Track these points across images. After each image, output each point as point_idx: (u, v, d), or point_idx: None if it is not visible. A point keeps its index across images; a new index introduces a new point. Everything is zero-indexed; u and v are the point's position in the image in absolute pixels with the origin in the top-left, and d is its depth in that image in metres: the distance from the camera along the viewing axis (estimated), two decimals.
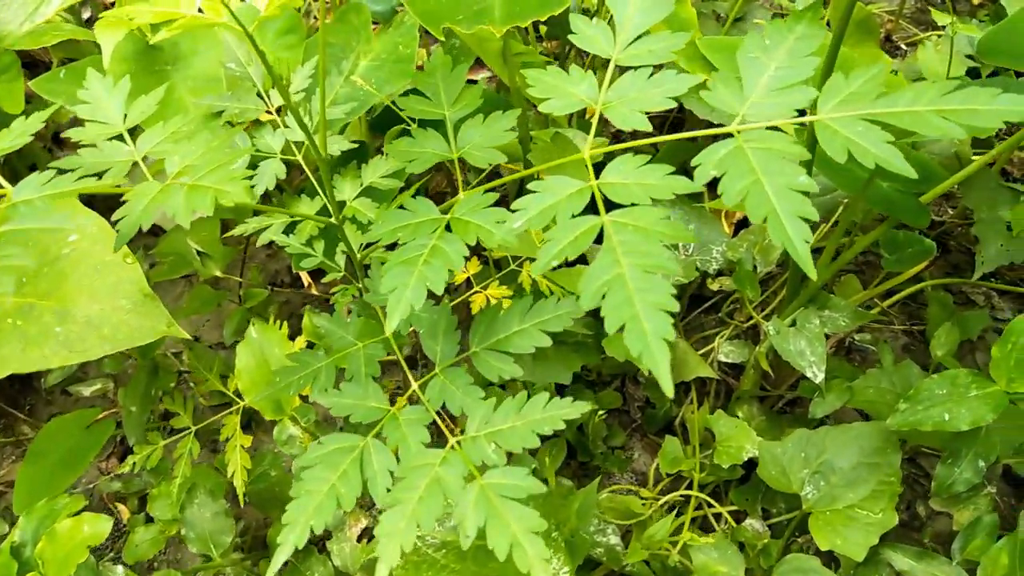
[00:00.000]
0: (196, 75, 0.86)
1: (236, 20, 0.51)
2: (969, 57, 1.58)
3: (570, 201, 0.51)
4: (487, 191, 0.60)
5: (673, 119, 1.43)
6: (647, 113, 0.53)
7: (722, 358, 1.14)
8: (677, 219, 0.47)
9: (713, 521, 1.06)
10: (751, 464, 1.00)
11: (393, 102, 0.94)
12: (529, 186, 0.52)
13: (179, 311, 1.22)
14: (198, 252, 0.98)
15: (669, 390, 0.41)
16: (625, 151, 0.53)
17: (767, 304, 1.20)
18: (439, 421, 0.59)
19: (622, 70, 0.55)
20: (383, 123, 1.02)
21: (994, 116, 0.43)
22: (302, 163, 0.83)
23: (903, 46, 1.81)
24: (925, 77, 1.41)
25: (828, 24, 1.79)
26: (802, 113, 0.48)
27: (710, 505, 1.06)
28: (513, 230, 0.51)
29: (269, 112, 0.86)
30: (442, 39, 0.73)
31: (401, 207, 0.62)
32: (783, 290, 1.14)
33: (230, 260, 1.15)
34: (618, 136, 1.44)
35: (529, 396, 0.56)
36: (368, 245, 0.79)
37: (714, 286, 1.16)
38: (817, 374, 0.98)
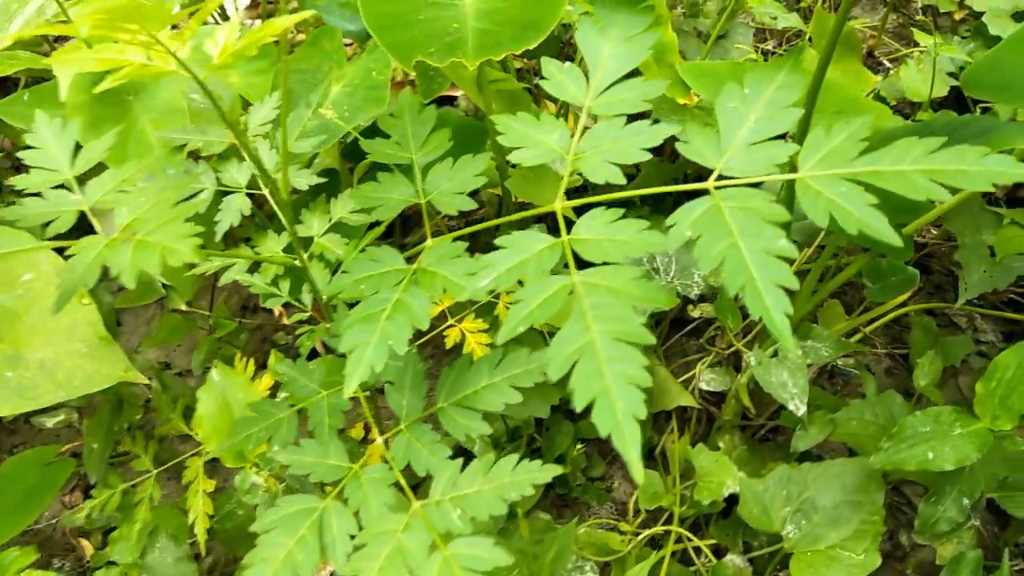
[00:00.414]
0: (159, 106, 0.83)
1: (186, 69, 0.48)
2: (951, 75, 1.57)
3: (540, 258, 0.49)
4: (456, 239, 0.58)
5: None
6: (620, 165, 0.50)
7: (703, 386, 1.12)
8: (655, 238, 0.45)
9: (693, 555, 1.04)
10: (733, 497, 0.98)
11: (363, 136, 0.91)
12: (497, 241, 0.50)
13: (148, 339, 1.18)
14: (164, 284, 0.94)
15: (639, 476, 0.38)
16: (598, 204, 0.50)
17: (748, 329, 1.18)
18: (403, 482, 0.57)
19: (597, 118, 0.52)
20: (357, 150, 0.99)
21: (983, 178, 0.41)
22: (269, 198, 0.80)
23: (886, 62, 1.80)
24: (908, 97, 1.40)
25: (810, 40, 1.78)
26: (787, 169, 0.46)
27: (690, 539, 1.03)
28: (479, 289, 0.48)
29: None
30: (413, 73, 0.70)
31: (365, 253, 0.59)
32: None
33: (199, 287, 1.12)
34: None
35: (500, 450, 0.54)
36: None
37: (695, 312, 1.14)
38: (799, 407, 0.96)
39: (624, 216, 0.49)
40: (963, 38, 1.71)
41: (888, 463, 0.81)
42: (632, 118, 0.52)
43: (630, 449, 0.39)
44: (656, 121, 0.51)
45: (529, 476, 0.52)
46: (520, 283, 0.48)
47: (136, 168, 0.57)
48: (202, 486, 0.82)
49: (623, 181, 0.50)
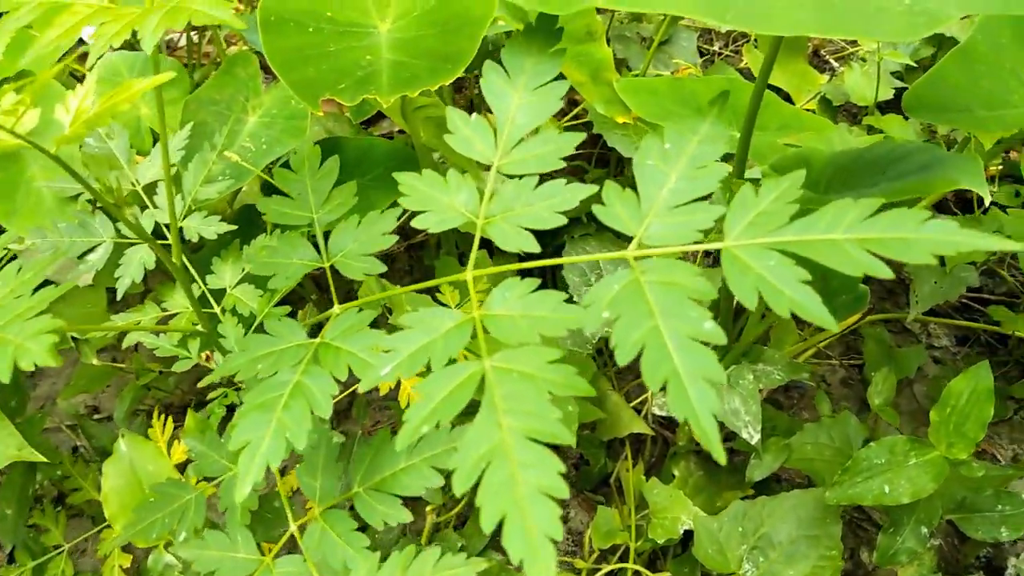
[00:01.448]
0: None
1: (32, 144, 0.42)
2: (895, 75, 1.55)
3: (447, 340, 0.44)
4: (362, 308, 0.52)
5: (598, 155, 1.37)
6: (533, 231, 0.46)
7: (656, 411, 1.08)
8: (574, 313, 0.40)
9: None
10: (689, 531, 0.94)
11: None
12: (399, 319, 0.45)
13: (67, 389, 1.11)
14: (73, 338, 0.88)
15: None
16: (513, 273, 0.45)
17: None
18: None
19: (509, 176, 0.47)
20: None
21: (924, 248, 0.37)
22: (156, 251, 0.74)
23: (832, 60, 1.78)
24: (853, 101, 1.38)
25: (755, 42, 1.75)
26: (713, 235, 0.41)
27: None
28: (381, 378, 0.43)
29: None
30: (320, 113, 0.65)
31: (264, 325, 0.54)
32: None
33: (117, 333, 1.05)
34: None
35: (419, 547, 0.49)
36: None
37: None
38: (753, 435, 0.93)
39: (542, 286, 0.45)
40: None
41: (844, 498, 0.78)
42: (544, 177, 0.47)
43: None
44: (570, 180, 0.46)
45: (452, 572, 0.47)
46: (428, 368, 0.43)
47: (9, 238, 0.51)
48: (117, 562, 0.76)
49: (537, 249, 0.45)
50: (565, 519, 1.15)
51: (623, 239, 0.43)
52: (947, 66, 0.76)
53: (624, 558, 1.03)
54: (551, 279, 1.28)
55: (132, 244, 0.75)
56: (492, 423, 0.39)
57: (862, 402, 1.26)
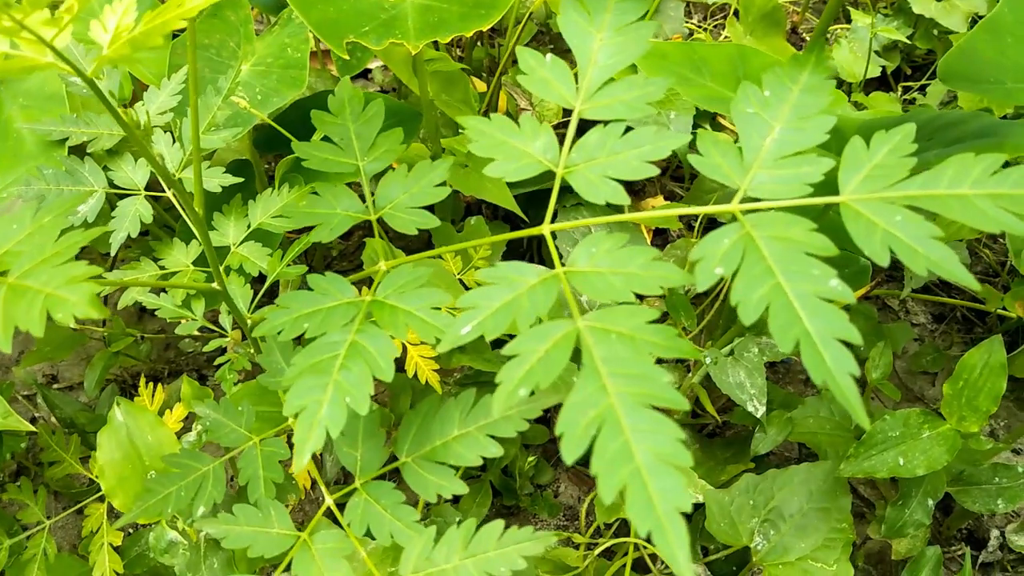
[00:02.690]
0: (30, 91, 0.69)
1: (68, 63, 0.36)
2: (876, 54, 1.56)
3: (532, 297, 0.40)
4: (418, 263, 0.48)
5: None
6: (622, 181, 0.42)
7: None
8: (670, 271, 0.37)
9: (649, 562, 1.00)
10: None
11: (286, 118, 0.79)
12: (479, 275, 0.41)
13: (30, 355, 1.03)
14: None
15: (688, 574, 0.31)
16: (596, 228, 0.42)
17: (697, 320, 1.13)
18: (363, 554, 0.48)
19: (588, 123, 0.44)
20: (272, 139, 0.87)
21: None
22: (175, 203, 0.68)
23: (809, 39, 1.79)
24: (842, 78, 1.38)
25: (736, 14, 1.74)
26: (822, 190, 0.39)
27: (646, 546, 0.99)
28: (461, 338, 0.39)
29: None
30: (345, 57, 0.60)
31: (305, 280, 0.49)
32: (711, 310, 1.08)
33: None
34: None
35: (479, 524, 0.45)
36: (262, 303, 0.66)
37: (656, 308, 1.08)
38: (758, 408, 0.92)
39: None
40: (884, 15, 1.71)
41: (859, 471, 0.78)
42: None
43: (677, 552, 0.32)
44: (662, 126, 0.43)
45: (518, 547, 0.44)
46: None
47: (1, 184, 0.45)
48: (107, 538, 0.70)
49: (627, 201, 0.42)
50: (556, 493, 1.13)
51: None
52: (977, 38, 0.75)
53: (620, 533, 1.01)
54: (536, 252, 1.25)
55: (126, 195, 0.68)
56: (597, 387, 0.36)
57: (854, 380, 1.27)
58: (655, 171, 0.42)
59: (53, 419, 1.04)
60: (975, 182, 0.37)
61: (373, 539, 0.49)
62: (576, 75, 0.44)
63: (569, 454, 0.34)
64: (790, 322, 0.34)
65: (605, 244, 0.41)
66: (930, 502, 0.83)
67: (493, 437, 0.49)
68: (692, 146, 0.65)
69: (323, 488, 0.51)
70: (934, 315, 1.35)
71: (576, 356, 0.38)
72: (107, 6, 0.38)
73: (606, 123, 0.43)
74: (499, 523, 0.45)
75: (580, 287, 0.40)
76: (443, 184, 0.50)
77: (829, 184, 0.40)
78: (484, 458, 0.46)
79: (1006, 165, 0.38)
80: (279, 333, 0.46)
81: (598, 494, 0.34)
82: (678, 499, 0.32)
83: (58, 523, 0.89)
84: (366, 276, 0.51)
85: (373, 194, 0.51)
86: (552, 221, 0.44)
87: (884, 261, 0.35)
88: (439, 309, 0.46)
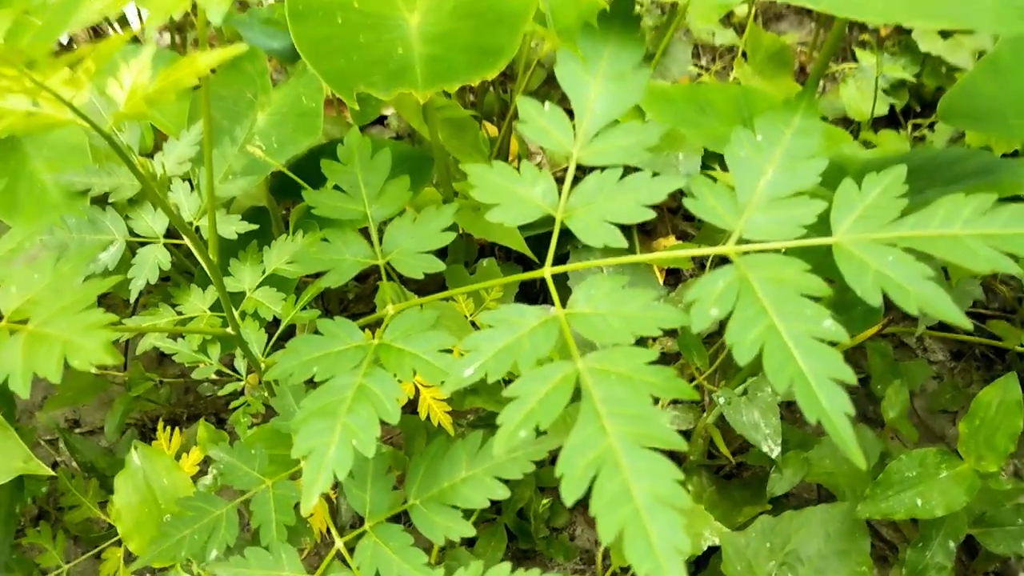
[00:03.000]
0: (54, 144, 0.72)
1: (86, 120, 0.38)
2: (884, 92, 1.58)
3: (533, 339, 0.41)
4: (423, 305, 0.49)
5: None
6: (619, 224, 0.43)
7: (667, 424, 1.06)
8: (669, 312, 0.37)
9: None
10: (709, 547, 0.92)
11: (299, 166, 0.81)
12: (480, 317, 0.42)
13: (52, 400, 1.05)
14: None
15: None
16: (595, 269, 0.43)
17: (711, 361, 1.13)
18: None
19: (586, 170, 0.45)
20: (287, 186, 0.89)
21: None
22: (192, 248, 0.70)
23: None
24: (850, 116, 1.39)
25: (744, 55, 1.77)
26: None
27: None
28: (463, 380, 0.40)
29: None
30: (355, 107, 0.62)
31: (314, 324, 0.50)
32: (725, 350, 1.08)
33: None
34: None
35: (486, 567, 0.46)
36: (277, 346, 0.67)
37: (655, 348, 1.08)
38: (773, 448, 0.91)
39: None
40: (891, 54, 1.72)
41: (876, 512, 0.77)
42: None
43: None
44: (656, 173, 0.44)
45: None
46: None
47: (25, 233, 0.47)
48: None
49: (624, 244, 0.43)
50: (572, 536, 1.12)
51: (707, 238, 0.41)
52: (977, 75, 0.76)
53: None
54: (547, 293, 1.26)
55: (145, 243, 0.70)
56: (596, 428, 0.37)
57: (864, 416, 1.26)
58: (651, 214, 0.43)
59: (74, 463, 1.05)
60: (966, 222, 0.37)
61: None
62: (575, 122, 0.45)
63: (569, 495, 0.35)
64: (784, 362, 0.35)
65: (604, 286, 0.42)
66: (951, 544, 0.82)
67: (500, 479, 0.49)
68: None
69: (334, 531, 0.52)
70: (952, 352, 1.34)
71: (577, 396, 0.38)
72: (123, 64, 0.40)
73: (603, 169, 0.44)
74: (506, 565, 0.45)
75: (580, 329, 0.41)
76: (449, 229, 0.51)
77: (824, 225, 0.41)
78: (498, 501, 0.47)
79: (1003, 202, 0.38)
80: (290, 376, 0.47)
81: (598, 534, 0.34)
82: (676, 539, 0.33)
83: (77, 568, 0.89)
84: (376, 319, 0.52)
85: (381, 240, 0.52)
86: (560, 263, 0.46)
87: (876, 301, 0.36)
88: (449, 351, 0.47)
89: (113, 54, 0.36)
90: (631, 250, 1.17)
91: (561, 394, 0.38)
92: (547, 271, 0.45)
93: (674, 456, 1.13)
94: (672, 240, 1.37)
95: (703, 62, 1.92)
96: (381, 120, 1.57)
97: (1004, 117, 0.73)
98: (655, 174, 0.43)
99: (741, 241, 0.41)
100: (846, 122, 1.63)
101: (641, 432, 0.36)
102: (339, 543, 0.51)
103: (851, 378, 0.34)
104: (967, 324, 0.34)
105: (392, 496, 0.51)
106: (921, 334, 1.33)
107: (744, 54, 1.71)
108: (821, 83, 1.82)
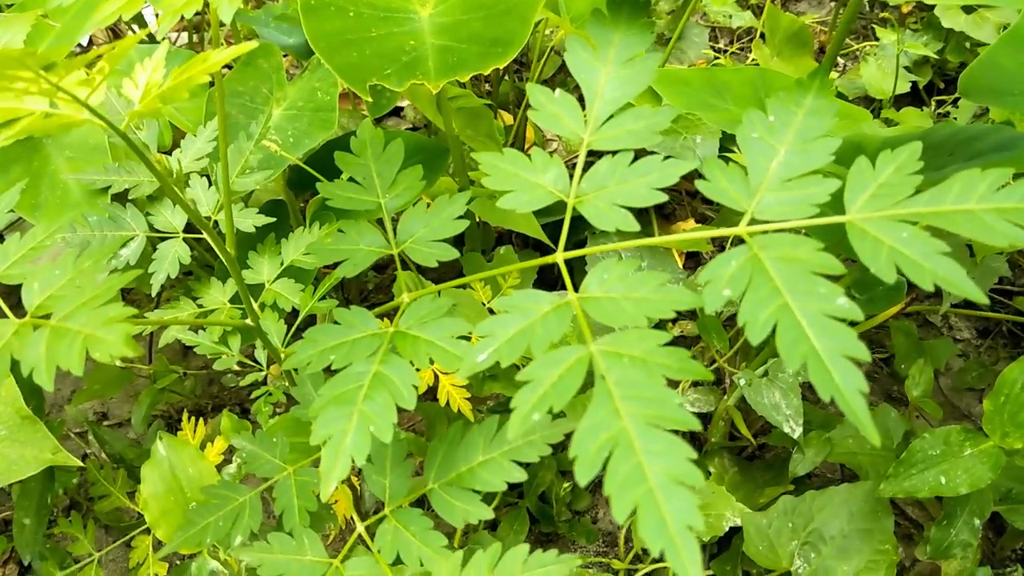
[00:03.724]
0: (75, 144, 0.73)
1: (101, 119, 0.39)
2: (907, 69, 1.55)
3: (546, 324, 0.41)
4: (439, 293, 0.50)
5: None
6: (631, 208, 0.43)
7: (688, 407, 1.06)
8: (682, 295, 0.37)
9: None
10: (731, 527, 0.92)
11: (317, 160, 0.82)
12: (493, 303, 0.42)
13: (80, 394, 1.07)
14: None
15: None
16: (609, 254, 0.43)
17: (731, 343, 1.12)
18: None
19: (596, 154, 0.45)
20: (304, 179, 0.90)
21: None
22: (211, 241, 0.71)
23: (839, 58, 1.78)
24: (870, 94, 1.37)
25: (762, 36, 1.74)
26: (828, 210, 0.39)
27: None
28: (477, 365, 0.40)
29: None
30: (369, 99, 0.62)
31: (331, 314, 0.51)
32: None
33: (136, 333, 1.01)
34: None
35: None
36: (296, 337, 0.68)
37: (675, 331, 1.08)
38: (795, 428, 0.91)
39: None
40: (913, 31, 1.69)
41: (899, 491, 0.77)
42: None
43: (689, 569, 0.32)
44: (668, 156, 0.44)
45: (544, 571, 0.45)
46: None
47: (46, 232, 0.48)
48: (153, 569, 0.73)
49: (636, 227, 0.43)
50: (594, 519, 1.13)
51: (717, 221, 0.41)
52: (999, 50, 0.75)
53: (661, 558, 1.01)
54: (559, 281, 1.26)
55: (165, 238, 0.72)
56: (609, 410, 0.37)
57: (888, 396, 1.25)
58: (663, 198, 0.43)
59: (103, 455, 1.07)
60: (981, 197, 0.37)
61: (405, 564, 0.50)
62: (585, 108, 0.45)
63: (583, 476, 0.35)
64: (797, 340, 0.35)
65: (617, 270, 0.42)
66: (976, 522, 0.81)
67: (517, 463, 0.50)
68: None
69: (355, 516, 0.53)
70: (979, 330, 1.32)
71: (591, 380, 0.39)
72: (137, 64, 0.41)
73: (614, 153, 0.44)
74: (524, 547, 0.46)
75: (593, 313, 0.41)
76: (463, 217, 0.52)
77: (840, 204, 0.41)
78: (520, 484, 0.47)
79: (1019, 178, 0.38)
80: (307, 365, 0.48)
81: (612, 513, 0.34)
82: (690, 518, 0.33)
83: (109, 556, 0.91)
84: (392, 308, 0.53)
85: (396, 230, 0.52)
86: (578, 248, 0.46)
87: (891, 278, 0.35)
88: (466, 338, 0.48)
89: (126, 54, 0.36)
90: (649, 234, 1.17)
91: (574, 377, 0.38)
92: (559, 256, 0.45)
93: (695, 438, 1.13)
94: (691, 223, 1.37)
95: (721, 44, 1.90)
96: (397, 112, 1.58)
97: None
98: (667, 157, 0.43)
99: (754, 222, 0.40)
100: (868, 101, 1.61)
101: (655, 413, 0.36)
102: (360, 527, 0.52)
103: (865, 356, 0.34)
104: (983, 299, 0.34)
105: (412, 481, 0.52)
106: (946, 312, 1.31)
107: (763, 36, 1.69)
108: (842, 62, 1.80)
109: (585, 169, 0.45)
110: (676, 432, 0.36)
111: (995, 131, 0.62)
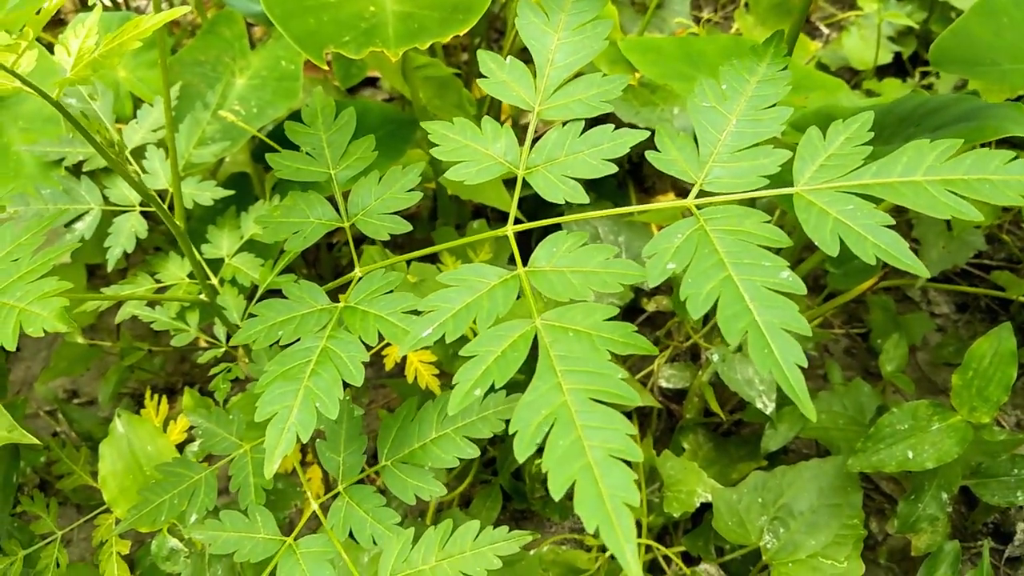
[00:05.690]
0: (29, 114, 0.71)
1: (30, 86, 0.37)
2: (890, 39, 1.54)
3: (492, 298, 0.40)
4: (389, 267, 0.49)
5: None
6: (581, 180, 0.42)
7: (663, 383, 1.06)
8: (629, 268, 0.36)
9: (663, 564, 0.99)
10: (703, 503, 0.92)
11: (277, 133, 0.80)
12: (440, 277, 0.41)
13: (46, 372, 1.05)
14: None
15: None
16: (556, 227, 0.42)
17: (707, 319, 1.12)
18: (345, 558, 0.48)
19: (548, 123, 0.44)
20: (268, 151, 0.88)
21: (1012, 189, 0.35)
22: (160, 214, 0.69)
23: (822, 27, 1.76)
24: (852, 65, 1.36)
25: (746, 6, 1.72)
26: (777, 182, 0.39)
27: (659, 549, 0.98)
28: (422, 340, 0.40)
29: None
30: (324, 67, 0.61)
31: (281, 289, 0.50)
32: None
33: (101, 309, 1.00)
34: None
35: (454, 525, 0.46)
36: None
37: (650, 307, 1.07)
38: (768, 404, 0.91)
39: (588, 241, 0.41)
40: (897, 1, 1.67)
41: (867, 465, 0.77)
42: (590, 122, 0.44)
43: (624, 547, 0.31)
44: (618, 127, 0.43)
45: (493, 547, 0.44)
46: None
47: None
48: (115, 547, 0.72)
49: (586, 199, 0.42)
50: (570, 497, 1.13)
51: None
52: (971, 19, 0.74)
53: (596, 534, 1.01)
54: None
55: (121, 212, 0.70)
56: (552, 385, 0.36)
57: (865, 371, 1.25)
58: (613, 168, 0.42)
59: (73, 433, 1.07)
60: (929, 168, 0.36)
61: (357, 542, 0.49)
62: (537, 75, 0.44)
63: (521, 451, 0.35)
64: (739, 314, 0.34)
65: (566, 243, 0.41)
66: (944, 496, 0.82)
67: (471, 439, 0.49)
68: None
69: (308, 494, 0.52)
70: (957, 305, 1.32)
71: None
72: (69, 30, 0.40)
73: (565, 123, 0.43)
74: (474, 523, 0.45)
75: (540, 286, 0.40)
76: (415, 189, 0.51)
77: (791, 175, 0.40)
78: (494, 461, 0.46)
79: (986, 147, 0.37)
80: (255, 341, 0.47)
81: (549, 489, 0.34)
82: (627, 494, 0.32)
83: (78, 534, 0.91)
84: (346, 282, 0.52)
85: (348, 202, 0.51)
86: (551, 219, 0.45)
87: (834, 251, 0.35)
88: (419, 313, 0.47)
89: (47, 19, 0.35)
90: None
91: (518, 352, 0.38)
92: (509, 229, 0.44)
93: (670, 415, 1.13)
94: (671, 196, 1.35)
95: (704, 14, 1.87)
96: (374, 82, 1.55)
97: (998, 62, 0.71)
98: (619, 125, 0.42)
99: (703, 194, 0.40)
100: (854, 73, 1.60)
101: (597, 388, 0.36)
102: (314, 505, 0.51)
103: (806, 329, 0.33)
104: (924, 272, 0.33)
105: (363, 457, 0.52)
106: (925, 287, 1.31)
107: (747, 5, 1.67)
108: (827, 32, 1.78)
109: (537, 139, 0.44)
110: (616, 407, 0.35)
111: (960, 101, 0.61)
